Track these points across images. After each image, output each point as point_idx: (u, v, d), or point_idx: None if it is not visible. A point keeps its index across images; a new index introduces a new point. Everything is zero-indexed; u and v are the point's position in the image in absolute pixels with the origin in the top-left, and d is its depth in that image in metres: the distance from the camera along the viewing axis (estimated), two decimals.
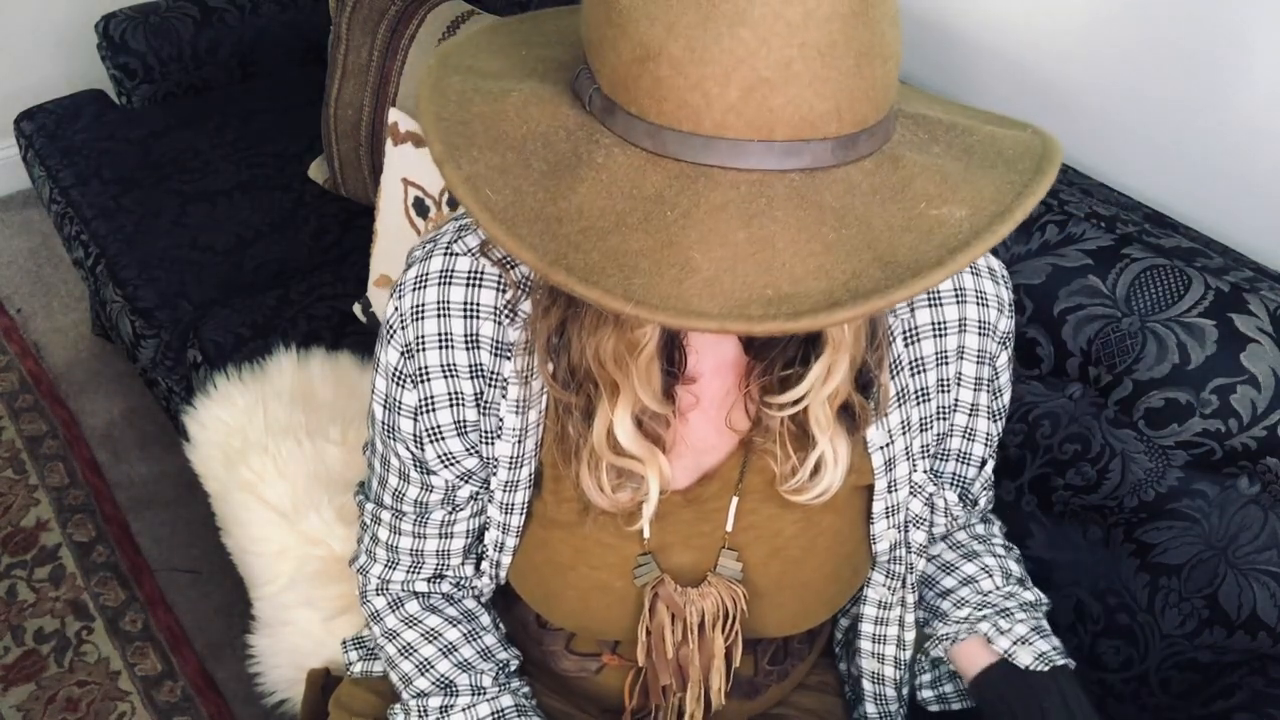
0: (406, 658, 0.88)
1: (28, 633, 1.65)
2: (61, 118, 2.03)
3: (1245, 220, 1.17)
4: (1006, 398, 0.88)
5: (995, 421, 0.88)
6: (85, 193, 1.86)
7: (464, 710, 0.86)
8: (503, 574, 0.87)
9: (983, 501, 0.95)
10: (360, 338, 1.55)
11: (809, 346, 0.72)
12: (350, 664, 1.00)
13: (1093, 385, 1.09)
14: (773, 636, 0.89)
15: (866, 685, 0.95)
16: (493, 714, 0.86)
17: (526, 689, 0.90)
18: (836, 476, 0.76)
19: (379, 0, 1.72)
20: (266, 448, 1.27)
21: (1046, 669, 0.85)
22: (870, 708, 0.96)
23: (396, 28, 1.69)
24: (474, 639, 0.88)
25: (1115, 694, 1.10)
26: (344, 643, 1.01)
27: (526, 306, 0.76)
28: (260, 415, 1.32)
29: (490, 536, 0.85)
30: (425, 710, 0.87)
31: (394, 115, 1.54)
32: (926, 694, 0.98)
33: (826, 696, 1.00)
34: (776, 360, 0.73)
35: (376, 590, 0.91)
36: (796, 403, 0.73)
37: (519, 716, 0.86)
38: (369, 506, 0.90)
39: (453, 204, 1.46)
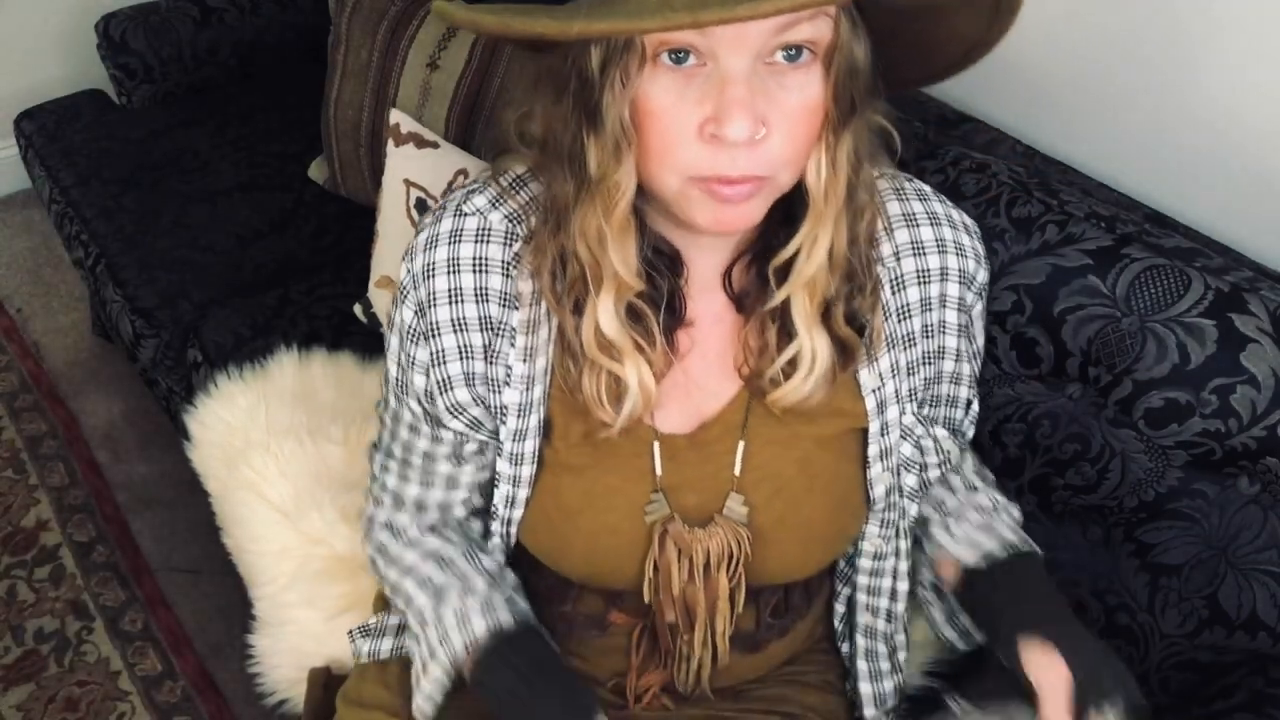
0: (407, 576, 0.91)
1: (28, 633, 1.65)
2: (61, 118, 2.03)
3: (1245, 220, 1.17)
4: (981, 340, 0.93)
5: (973, 361, 0.92)
6: (85, 193, 1.86)
7: (455, 601, 0.87)
8: (513, 531, 0.89)
9: (970, 433, 0.97)
10: (361, 338, 1.55)
11: (792, 228, 0.77)
12: (357, 651, 1.00)
13: (1093, 385, 1.09)
14: (775, 582, 0.91)
15: (860, 641, 0.97)
16: (481, 605, 0.87)
17: (518, 582, 0.92)
18: (816, 376, 0.80)
19: (379, 1, 1.72)
20: (268, 447, 1.27)
21: (1004, 556, 0.88)
22: (863, 666, 0.97)
23: (396, 29, 1.70)
24: (472, 558, 0.91)
25: None
26: (350, 633, 1.01)
27: (532, 259, 0.81)
28: (262, 415, 1.32)
29: (500, 494, 0.87)
30: (424, 620, 0.88)
31: (396, 116, 1.54)
32: (949, 633, 0.97)
33: (829, 695, 1.00)
34: (769, 245, 0.79)
35: (381, 527, 0.94)
36: (784, 273, 0.78)
37: (508, 606, 0.88)
38: (378, 458, 0.93)
39: None
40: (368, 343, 1.52)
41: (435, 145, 1.50)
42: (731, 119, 0.65)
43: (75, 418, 2.01)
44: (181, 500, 1.81)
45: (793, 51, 0.68)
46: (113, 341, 2.06)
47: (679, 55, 0.67)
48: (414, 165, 1.49)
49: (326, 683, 1.09)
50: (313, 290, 1.64)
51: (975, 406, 0.95)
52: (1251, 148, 1.15)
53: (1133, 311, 1.04)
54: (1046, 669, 0.78)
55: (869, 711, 0.98)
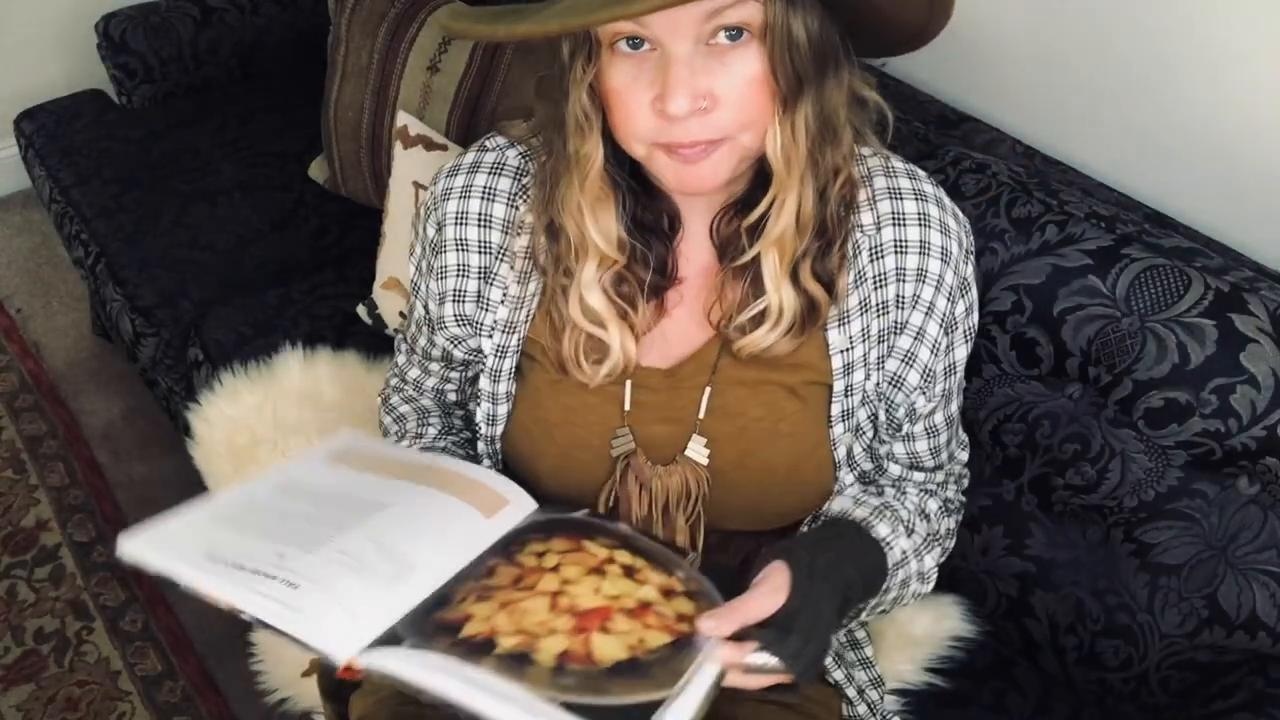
0: (388, 414, 1.06)
1: (28, 633, 1.65)
2: (61, 118, 2.03)
3: (1245, 220, 1.17)
4: (959, 354, 0.92)
5: (949, 377, 0.92)
6: (85, 192, 1.86)
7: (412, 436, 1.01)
8: (499, 448, 0.96)
9: (916, 447, 0.95)
10: (364, 338, 1.55)
11: (762, 192, 0.82)
12: None
13: (1093, 385, 1.09)
14: (733, 527, 0.94)
15: None
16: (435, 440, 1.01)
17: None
18: (780, 329, 0.85)
19: (378, 3, 1.72)
20: (276, 443, 1.27)
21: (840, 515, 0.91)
22: None
23: (396, 31, 1.70)
24: (447, 417, 1.05)
25: (1115, 694, 1.10)
26: None
27: (535, 194, 0.89)
28: (269, 412, 1.33)
29: (482, 412, 0.95)
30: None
31: (404, 119, 1.54)
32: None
33: (822, 686, 1.01)
34: (748, 203, 0.84)
35: (391, 391, 1.07)
36: (756, 232, 0.83)
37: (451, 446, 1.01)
38: (401, 341, 1.07)
39: None
40: (371, 343, 1.52)
41: (444, 148, 1.50)
42: (672, 96, 0.74)
43: (75, 418, 2.01)
44: (182, 500, 1.80)
45: (733, 32, 0.75)
46: (113, 341, 2.06)
47: (634, 42, 0.76)
48: (423, 168, 1.49)
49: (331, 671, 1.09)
50: (314, 289, 1.64)
51: (933, 417, 0.93)
52: (1251, 148, 1.15)
53: (1133, 311, 1.05)
54: (766, 586, 0.75)
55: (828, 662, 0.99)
